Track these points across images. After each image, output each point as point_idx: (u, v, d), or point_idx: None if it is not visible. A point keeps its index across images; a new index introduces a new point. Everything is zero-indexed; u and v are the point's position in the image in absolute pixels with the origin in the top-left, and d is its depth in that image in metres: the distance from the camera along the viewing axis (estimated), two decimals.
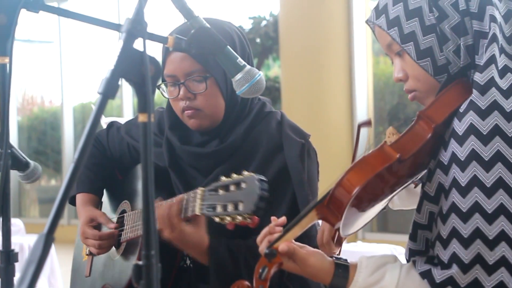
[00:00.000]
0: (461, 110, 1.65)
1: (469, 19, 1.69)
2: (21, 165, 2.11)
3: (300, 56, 8.13)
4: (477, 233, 1.58)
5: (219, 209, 1.84)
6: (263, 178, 1.80)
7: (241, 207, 1.80)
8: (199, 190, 1.91)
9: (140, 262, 1.24)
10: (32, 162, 2.13)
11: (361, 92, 8.25)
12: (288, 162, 2.13)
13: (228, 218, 1.83)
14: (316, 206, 1.68)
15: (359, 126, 1.94)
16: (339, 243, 1.98)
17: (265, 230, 1.77)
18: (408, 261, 1.72)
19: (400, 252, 4.09)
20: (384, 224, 8.97)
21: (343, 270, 1.69)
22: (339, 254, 2.00)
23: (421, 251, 1.70)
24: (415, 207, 1.72)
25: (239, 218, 1.81)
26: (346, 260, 1.71)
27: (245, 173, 1.84)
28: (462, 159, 1.61)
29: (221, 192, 1.86)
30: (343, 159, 7.46)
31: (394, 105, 8.99)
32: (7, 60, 1.64)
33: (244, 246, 2.07)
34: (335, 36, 8.14)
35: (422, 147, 1.67)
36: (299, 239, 1.74)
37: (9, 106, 1.64)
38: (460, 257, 1.59)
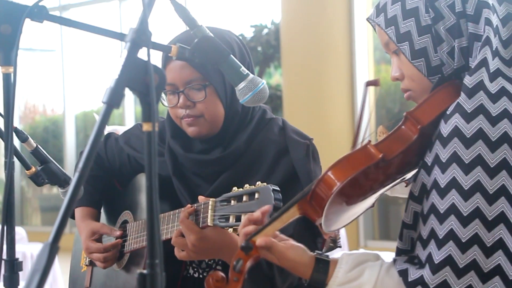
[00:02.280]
0: (448, 112, 1.65)
1: (465, 21, 1.70)
2: (61, 181, 2.12)
3: (302, 64, 8.14)
4: (451, 235, 1.58)
5: (232, 219, 1.82)
6: (276, 188, 1.78)
7: None
8: (210, 201, 1.89)
9: (145, 271, 1.24)
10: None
11: None
12: (295, 164, 2.12)
13: None
14: (298, 202, 1.68)
15: (366, 85, 1.92)
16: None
17: (245, 222, 1.74)
18: None
19: None
20: (386, 232, 8.97)
21: (324, 265, 1.68)
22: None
23: (407, 250, 1.70)
24: None
25: None
26: (327, 256, 1.70)
27: (259, 183, 1.82)
28: (444, 161, 1.61)
29: (233, 202, 1.83)
30: None
31: (395, 113, 9.00)
32: (11, 69, 1.64)
33: None
34: (337, 44, 8.15)
35: (408, 147, 1.67)
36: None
37: (13, 116, 1.64)
38: (433, 257, 1.59)
